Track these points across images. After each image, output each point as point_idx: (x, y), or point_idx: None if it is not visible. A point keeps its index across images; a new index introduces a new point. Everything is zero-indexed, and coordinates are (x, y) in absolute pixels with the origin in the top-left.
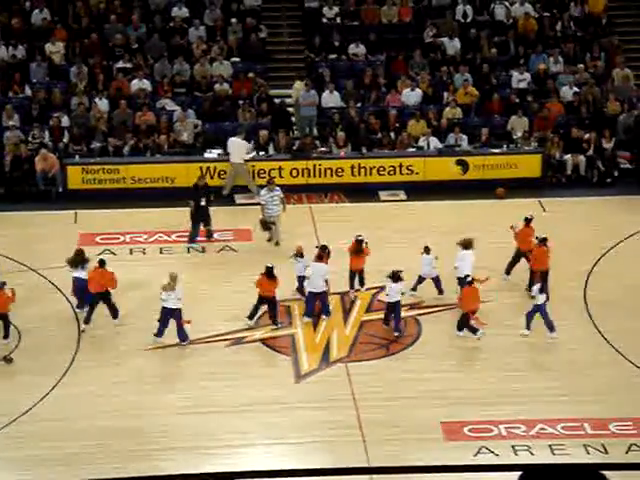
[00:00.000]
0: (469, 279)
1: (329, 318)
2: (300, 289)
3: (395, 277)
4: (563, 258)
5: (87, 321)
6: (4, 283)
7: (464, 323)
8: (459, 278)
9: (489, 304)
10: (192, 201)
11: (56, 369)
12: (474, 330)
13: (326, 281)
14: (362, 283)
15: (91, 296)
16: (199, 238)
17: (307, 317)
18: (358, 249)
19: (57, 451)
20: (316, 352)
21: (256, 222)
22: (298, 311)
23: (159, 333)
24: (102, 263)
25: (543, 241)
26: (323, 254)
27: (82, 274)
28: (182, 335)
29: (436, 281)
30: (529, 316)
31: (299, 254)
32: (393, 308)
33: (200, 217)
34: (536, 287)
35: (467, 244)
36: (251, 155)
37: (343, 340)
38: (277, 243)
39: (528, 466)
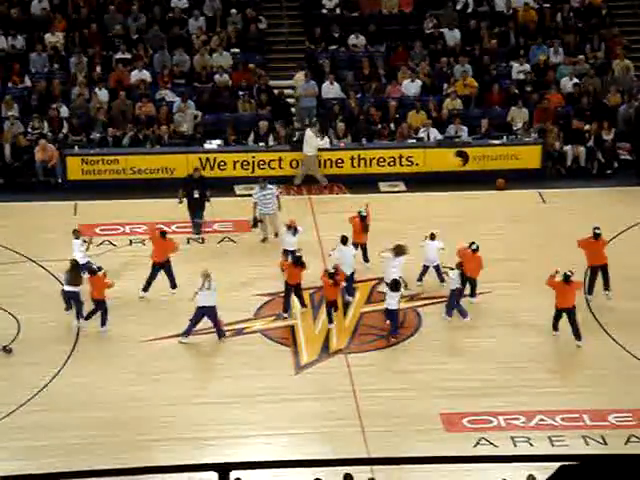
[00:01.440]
0: (474, 247)
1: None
2: (293, 260)
3: (394, 286)
4: (562, 249)
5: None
6: (99, 268)
7: (456, 300)
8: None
9: (487, 295)
10: (182, 191)
11: (56, 360)
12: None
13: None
14: (366, 257)
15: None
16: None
17: (349, 296)
18: (364, 225)
19: (57, 441)
20: (316, 343)
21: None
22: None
23: (219, 334)
24: (164, 234)
25: (597, 236)
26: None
27: (76, 288)
28: (189, 331)
29: (437, 269)
30: (454, 305)
31: (292, 227)
32: (391, 315)
33: (195, 208)
34: (455, 272)
35: (400, 250)
36: (323, 145)
37: (343, 331)
38: (276, 234)
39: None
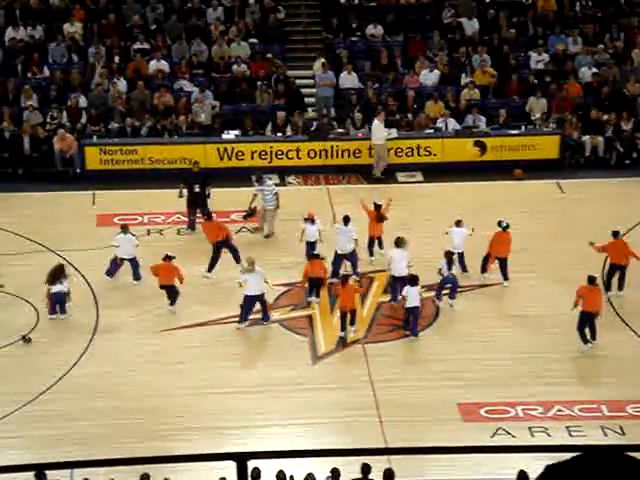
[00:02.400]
0: (504, 224)
1: (358, 278)
2: (309, 255)
3: (413, 281)
4: (581, 240)
5: (210, 270)
6: (174, 257)
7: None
8: (394, 277)
9: (504, 287)
10: (183, 185)
11: (74, 349)
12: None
13: (356, 240)
14: (380, 246)
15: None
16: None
17: (334, 278)
18: (379, 215)
19: (75, 430)
20: (333, 333)
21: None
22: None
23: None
24: (209, 217)
25: (616, 234)
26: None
27: (62, 288)
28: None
29: (460, 257)
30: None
31: (310, 219)
32: (412, 313)
33: (195, 203)
34: (442, 261)
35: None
36: (389, 135)
37: (360, 321)
38: (268, 235)
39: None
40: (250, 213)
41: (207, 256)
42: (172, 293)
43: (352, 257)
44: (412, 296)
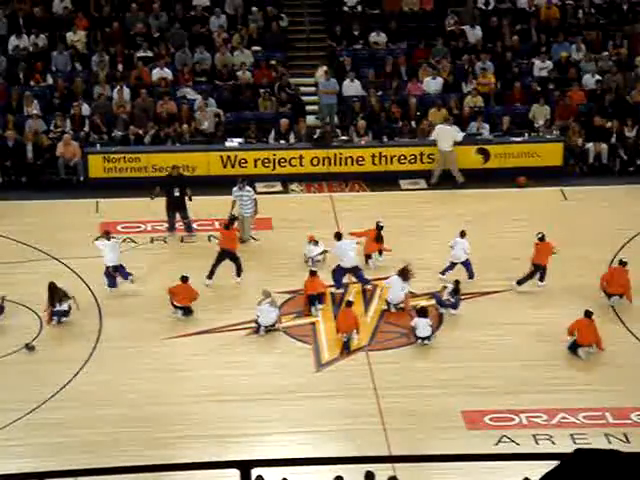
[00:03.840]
0: (540, 236)
1: (370, 287)
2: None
3: (422, 312)
4: (585, 247)
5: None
6: (188, 278)
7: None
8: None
9: (509, 293)
10: (158, 188)
11: (78, 357)
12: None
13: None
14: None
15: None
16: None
17: (337, 289)
18: (379, 235)
19: (80, 438)
20: (337, 341)
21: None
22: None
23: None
24: (227, 226)
25: (623, 264)
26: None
27: (63, 307)
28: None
29: (466, 265)
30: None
31: (312, 240)
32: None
33: (175, 208)
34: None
35: (403, 273)
36: (461, 137)
37: (364, 329)
38: (244, 240)
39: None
40: (232, 219)
41: (209, 261)
42: (188, 312)
43: (357, 271)
44: (422, 327)
